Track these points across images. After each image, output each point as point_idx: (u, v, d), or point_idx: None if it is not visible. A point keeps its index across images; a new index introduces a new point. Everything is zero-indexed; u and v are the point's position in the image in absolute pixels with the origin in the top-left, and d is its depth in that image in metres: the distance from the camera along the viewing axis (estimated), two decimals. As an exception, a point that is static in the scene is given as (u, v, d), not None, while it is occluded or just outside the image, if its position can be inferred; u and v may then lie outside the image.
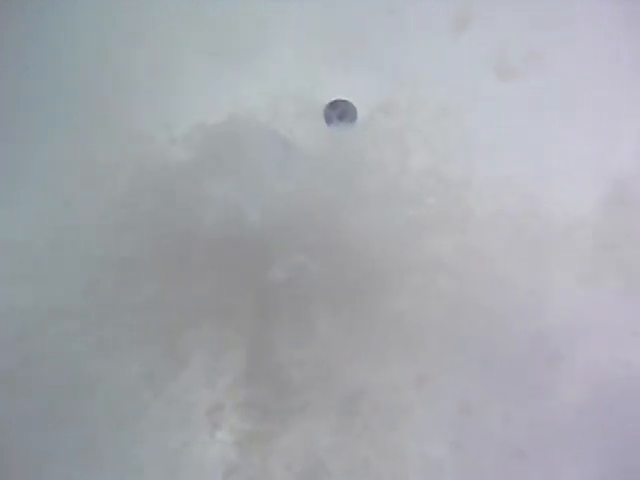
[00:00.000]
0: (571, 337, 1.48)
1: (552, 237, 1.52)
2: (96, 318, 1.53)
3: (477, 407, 1.47)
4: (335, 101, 1.57)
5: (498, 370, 1.49)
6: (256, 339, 1.52)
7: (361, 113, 1.58)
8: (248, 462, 1.48)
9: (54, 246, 1.55)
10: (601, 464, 1.44)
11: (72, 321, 1.52)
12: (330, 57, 1.60)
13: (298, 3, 1.61)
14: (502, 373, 1.48)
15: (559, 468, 1.44)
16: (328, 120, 1.56)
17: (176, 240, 1.56)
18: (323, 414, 1.49)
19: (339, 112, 1.56)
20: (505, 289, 1.51)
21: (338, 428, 1.48)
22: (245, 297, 1.54)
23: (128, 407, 1.50)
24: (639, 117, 1.53)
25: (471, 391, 1.48)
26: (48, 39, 1.63)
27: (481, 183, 1.55)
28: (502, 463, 1.45)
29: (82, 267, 1.54)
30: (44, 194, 1.58)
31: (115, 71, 1.62)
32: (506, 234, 1.53)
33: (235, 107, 1.60)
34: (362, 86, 1.59)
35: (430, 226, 1.55)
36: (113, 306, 1.53)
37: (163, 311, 1.53)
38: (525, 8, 1.57)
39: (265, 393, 1.50)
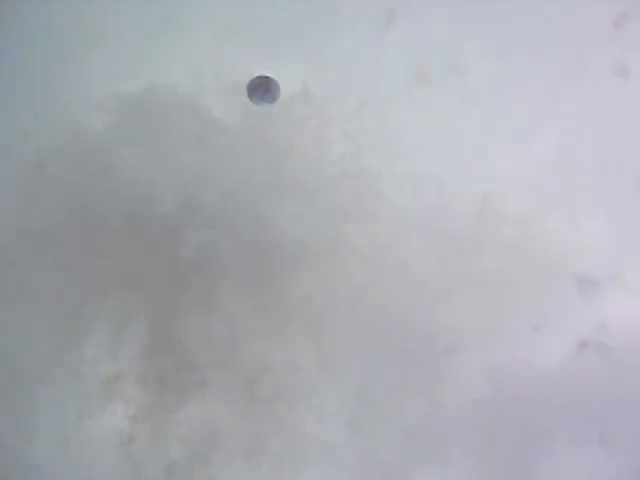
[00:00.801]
0: (473, 332, 1.52)
1: (463, 229, 1.55)
2: (2, 284, 1.50)
3: (375, 391, 1.51)
4: (259, 76, 1.56)
5: (397, 357, 1.52)
6: (160, 313, 1.52)
7: (283, 95, 1.58)
8: (143, 435, 1.48)
9: None
10: (492, 456, 1.49)
11: None
12: (257, 37, 1.60)
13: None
14: (401, 360, 1.52)
15: (450, 452, 1.49)
16: (251, 94, 1.56)
17: (87, 211, 1.54)
18: (223, 391, 1.50)
19: (262, 87, 1.56)
20: (414, 280, 1.53)
21: (237, 405, 1.50)
22: (153, 271, 1.53)
23: (26, 374, 1.48)
24: (557, 118, 1.57)
25: (370, 376, 1.51)
26: None
27: (397, 174, 1.57)
28: (398, 446, 1.49)
29: None
30: None
31: (31, 34, 1.58)
32: (419, 225, 1.56)
33: (155, 77, 1.58)
34: (286, 69, 1.58)
35: (344, 212, 1.57)
36: (20, 272, 1.51)
37: (69, 280, 1.52)
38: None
39: (165, 367, 1.50)
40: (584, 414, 1.46)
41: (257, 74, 1.57)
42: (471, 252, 1.52)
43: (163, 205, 1.55)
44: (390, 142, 1.56)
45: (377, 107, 1.56)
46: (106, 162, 1.55)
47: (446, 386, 1.50)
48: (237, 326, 1.52)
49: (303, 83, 1.57)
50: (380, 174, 1.56)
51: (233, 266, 1.54)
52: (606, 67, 1.55)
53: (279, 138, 1.59)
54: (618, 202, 1.54)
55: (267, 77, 1.55)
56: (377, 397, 1.50)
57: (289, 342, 1.52)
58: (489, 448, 1.48)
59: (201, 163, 1.57)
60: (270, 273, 1.54)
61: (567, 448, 1.46)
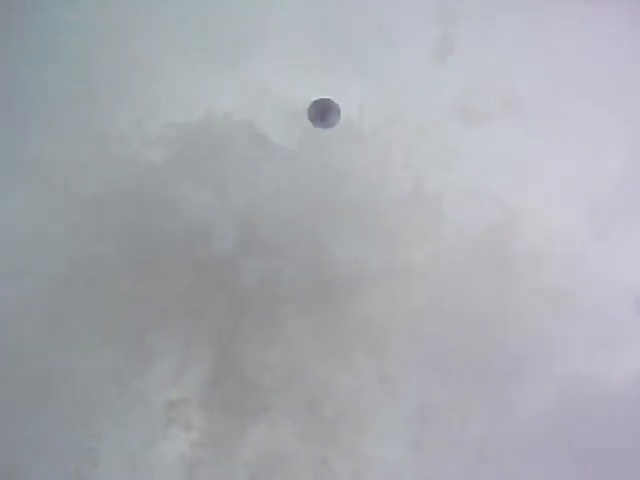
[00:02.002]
0: (536, 349, 1.51)
1: (525, 247, 1.55)
2: (66, 314, 1.52)
3: (437, 411, 1.50)
4: (319, 99, 1.57)
5: (460, 376, 1.52)
6: (223, 340, 1.53)
7: (343, 116, 1.60)
8: (209, 461, 1.49)
9: (26, 244, 1.55)
10: (559, 475, 1.48)
11: (42, 315, 1.51)
12: (312, 61, 1.61)
13: (282, 6, 1.62)
14: (463, 380, 1.51)
15: (518, 468, 1.48)
16: (311, 117, 1.57)
17: (148, 241, 1.56)
18: (286, 414, 1.50)
19: (323, 110, 1.57)
20: (475, 299, 1.54)
21: (300, 428, 1.50)
22: (215, 298, 1.54)
23: (92, 403, 1.50)
24: (619, 135, 1.58)
25: (432, 395, 1.51)
26: (20, 39, 1.61)
27: (456, 194, 1.58)
28: (461, 466, 1.48)
29: (53, 266, 1.54)
30: (16, 194, 1.56)
31: (89, 69, 1.61)
32: (478, 245, 1.56)
33: (212, 106, 1.60)
34: (344, 91, 1.60)
35: (403, 234, 1.57)
36: (83, 304, 1.52)
37: (133, 311, 1.53)
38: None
39: (230, 393, 1.51)
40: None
41: (314, 98, 1.59)
42: (534, 269, 1.52)
43: (222, 233, 1.56)
44: (449, 163, 1.57)
45: (434, 130, 1.58)
46: (164, 194, 1.57)
47: (510, 405, 1.49)
48: (299, 350, 1.53)
49: (360, 107, 1.59)
50: (440, 195, 1.57)
51: (293, 291, 1.55)
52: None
53: (338, 160, 1.60)
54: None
55: (328, 100, 1.57)
56: (440, 417, 1.50)
57: (350, 363, 1.53)
58: (555, 467, 1.47)
59: (259, 190, 1.58)
60: (330, 296, 1.55)
61: (634, 466, 1.45)
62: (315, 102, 1.56)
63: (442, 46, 1.59)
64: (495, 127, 1.58)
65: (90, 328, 1.52)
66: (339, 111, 1.57)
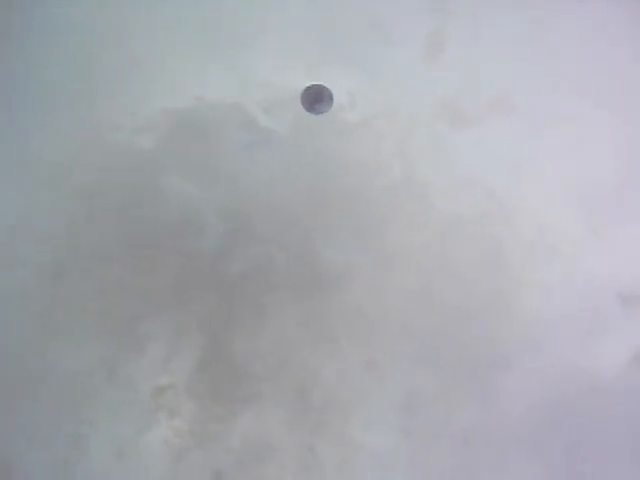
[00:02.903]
0: (524, 340, 1.52)
1: (518, 241, 1.56)
2: (58, 304, 1.52)
3: (425, 399, 1.51)
4: (312, 85, 1.57)
5: (448, 365, 1.53)
6: (213, 327, 1.53)
7: (335, 104, 1.59)
8: (197, 449, 1.49)
9: (18, 232, 1.54)
10: (544, 465, 1.50)
11: (32, 305, 1.51)
12: (303, 50, 1.60)
13: (280, 3, 1.61)
14: (451, 368, 1.52)
15: (506, 458, 1.49)
16: (304, 102, 1.56)
17: (139, 230, 1.55)
18: (275, 402, 1.51)
19: (316, 95, 1.56)
20: (465, 288, 1.54)
21: (289, 416, 1.50)
22: (206, 286, 1.54)
23: (82, 390, 1.50)
24: (615, 132, 1.58)
25: (420, 383, 1.52)
26: (12, 32, 1.60)
27: (447, 183, 1.57)
28: (449, 454, 1.50)
29: (46, 254, 1.53)
30: (8, 182, 1.55)
31: (89, 68, 1.60)
32: (471, 235, 1.56)
33: (202, 91, 1.58)
34: (337, 81, 1.59)
35: (394, 221, 1.57)
36: (73, 293, 1.52)
37: (123, 299, 1.53)
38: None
39: (219, 381, 1.51)
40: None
41: (305, 85, 1.58)
42: (523, 259, 1.52)
43: (214, 221, 1.55)
44: (440, 155, 1.57)
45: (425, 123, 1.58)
46: (156, 181, 1.56)
47: (497, 394, 1.50)
48: (289, 337, 1.53)
49: (351, 95, 1.58)
50: (429, 184, 1.57)
51: (284, 279, 1.55)
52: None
53: (330, 150, 1.59)
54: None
55: (321, 85, 1.56)
56: (428, 405, 1.51)
57: (340, 351, 1.53)
58: (541, 456, 1.49)
59: (250, 176, 1.58)
60: (321, 284, 1.55)
61: (621, 458, 1.47)
62: (308, 87, 1.55)
63: (435, 42, 1.58)
64: (488, 124, 1.57)
65: (80, 317, 1.52)
66: (332, 97, 1.56)
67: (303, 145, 1.58)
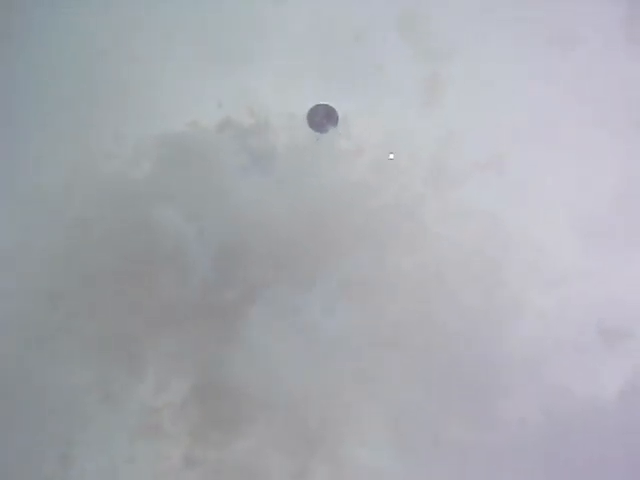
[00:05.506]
0: (519, 361, 1.55)
1: (514, 262, 1.60)
2: (54, 328, 1.49)
3: (421, 414, 1.53)
4: (318, 105, 1.59)
5: (444, 380, 1.55)
6: (208, 352, 1.52)
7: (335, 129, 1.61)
8: (192, 472, 1.46)
9: (17, 260, 1.52)
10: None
11: (27, 329, 1.49)
12: (301, 76, 1.63)
13: (282, 27, 1.63)
14: (447, 383, 1.54)
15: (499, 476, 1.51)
16: (314, 117, 1.58)
17: (135, 256, 1.55)
18: (270, 425, 1.50)
19: (323, 114, 1.59)
20: (463, 312, 1.57)
21: (283, 437, 1.49)
22: (199, 311, 1.53)
23: (75, 415, 1.47)
24: (615, 157, 1.65)
25: (415, 399, 1.53)
26: (12, 32, 1.58)
27: (444, 206, 1.61)
28: (444, 467, 1.51)
29: (45, 280, 1.52)
30: (5, 213, 1.53)
31: (78, 84, 1.59)
32: (466, 254, 1.60)
33: (198, 116, 1.59)
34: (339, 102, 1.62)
35: (386, 242, 1.60)
36: (67, 318, 1.50)
37: (118, 324, 1.52)
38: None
39: (215, 407, 1.49)
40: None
41: (315, 103, 1.60)
42: (519, 283, 1.56)
43: (207, 247, 1.56)
44: (437, 175, 1.61)
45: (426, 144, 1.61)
46: (148, 210, 1.57)
47: (490, 413, 1.53)
48: (283, 360, 1.53)
49: (352, 122, 1.61)
50: (426, 207, 1.60)
51: (279, 308, 1.55)
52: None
53: (326, 173, 1.61)
54: None
55: (324, 105, 1.58)
56: (423, 419, 1.52)
57: (331, 371, 1.53)
58: (539, 472, 1.51)
59: (244, 198, 1.58)
60: (317, 305, 1.56)
61: (621, 474, 1.50)
62: (317, 105, 1.58)
63: (434, 83, 1.63)
64: (487, 152, 1.62)
65: (74, 341, 1.50)
66: (338, 119, 1.59)
67: (299, 168, 1.60)
